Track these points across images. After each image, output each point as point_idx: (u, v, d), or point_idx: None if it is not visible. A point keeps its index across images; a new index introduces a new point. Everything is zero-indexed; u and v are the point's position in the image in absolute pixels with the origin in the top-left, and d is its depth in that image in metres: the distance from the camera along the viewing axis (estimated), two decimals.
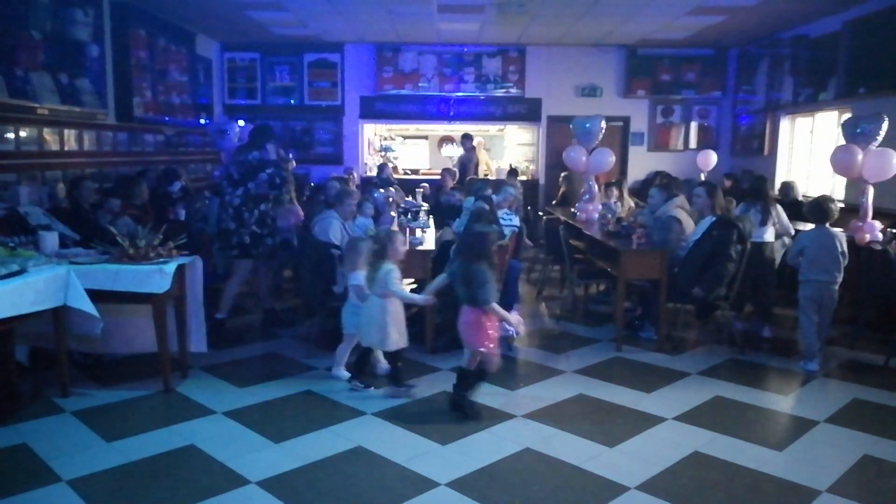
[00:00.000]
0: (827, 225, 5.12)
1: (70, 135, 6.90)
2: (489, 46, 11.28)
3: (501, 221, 5.80)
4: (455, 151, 12.34)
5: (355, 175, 10.65)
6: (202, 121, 10.33)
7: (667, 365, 5.18)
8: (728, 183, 9.43)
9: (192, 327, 4.81)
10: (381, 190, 7.45)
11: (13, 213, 5.21)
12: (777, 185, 9.01)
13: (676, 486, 3.33)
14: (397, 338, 4.38)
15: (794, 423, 4.19)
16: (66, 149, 6.82)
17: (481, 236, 4.15)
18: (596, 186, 7.72)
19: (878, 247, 5.55)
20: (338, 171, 10.10)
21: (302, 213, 7.13)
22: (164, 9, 8.62)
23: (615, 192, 7.82)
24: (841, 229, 5.34)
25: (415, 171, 12.35)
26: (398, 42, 11.14)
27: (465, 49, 11.34)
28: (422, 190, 8.50)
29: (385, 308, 4.34)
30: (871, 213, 5.95)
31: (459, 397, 4.14)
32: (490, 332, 4.03)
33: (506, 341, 5.15)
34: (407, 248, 4.81)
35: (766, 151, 10.23)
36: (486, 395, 4.34)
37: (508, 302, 5.21)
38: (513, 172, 10.16)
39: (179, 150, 9.58)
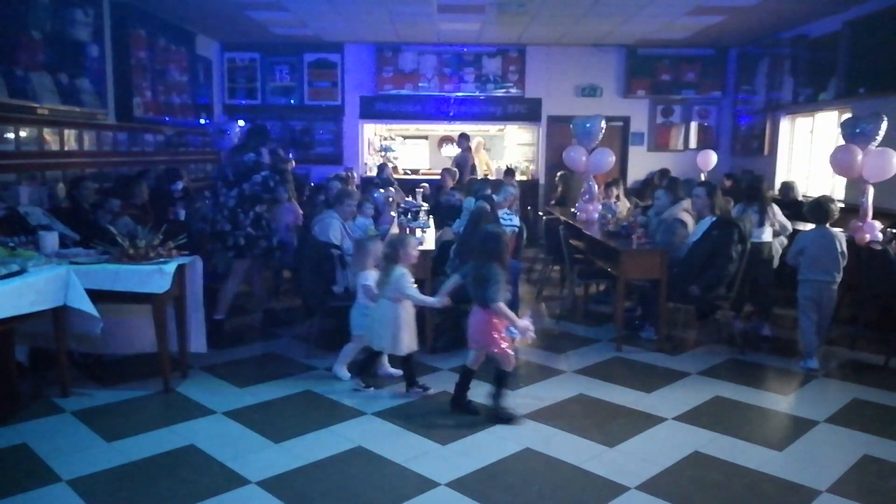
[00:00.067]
0: (827, 225, 5.12)
1: (70, 135, 6.90)
2: (489, 46, 11.28)
3: (501, 221, 5.80)
4: (455, 152, 12.34)
5: (355, 175, 10.65)
6: (202, 121, 10.33)
7: (667, 365, 5.18)
8: (728, 183, 9.42)
9: (192, 327, 4.81)
10: (381, 190, 7.45)
11: (13, 213, 5.21)
12: (777, 186, 9.02)
13: (676, 486, 3.33)
14: (409, 341, 4.37)
15: (794, 423, 4.19)
16: (66, 149, 6.82)
17: (496, 237, 4.15)
18: (596, 186, 7.73)
19: (878, 247, 5.55)
20: (338, 171, 10.09)
21: (301, 213, 7.14)
22: (164, 9, 8.62)
23: (615, 191, 7.82)
24: (841, 229, 5.34)
25: (415, 171, 12.34)
26: (398, 42, 11.14)
27: (465, 49, 11.34)
28: (422, 190, 8.50)
29: (397, 312, 4.32)
30: (871, 213, 5.95)
31: (461, 397, 4.15)
32: (502, 332, 4.02)
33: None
34: (419, 252, 4.74)
35: (766, 151, 10.24)
36: (486, 395, 4.33)
37: (512, 302, 5.20)
38: (509, 172, 10.15)
39: (179, 150, 9.58)
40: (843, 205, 6.29)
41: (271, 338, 5.80)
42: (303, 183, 10.02)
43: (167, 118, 9.13)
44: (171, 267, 4.31)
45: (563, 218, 7.79)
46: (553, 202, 9.94)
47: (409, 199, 7.89)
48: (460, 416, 4.13)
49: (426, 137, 13.49)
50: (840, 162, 6.04)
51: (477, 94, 11.48)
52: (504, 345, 4.05)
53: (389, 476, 3.41)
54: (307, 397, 4.45)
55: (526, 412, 4.19)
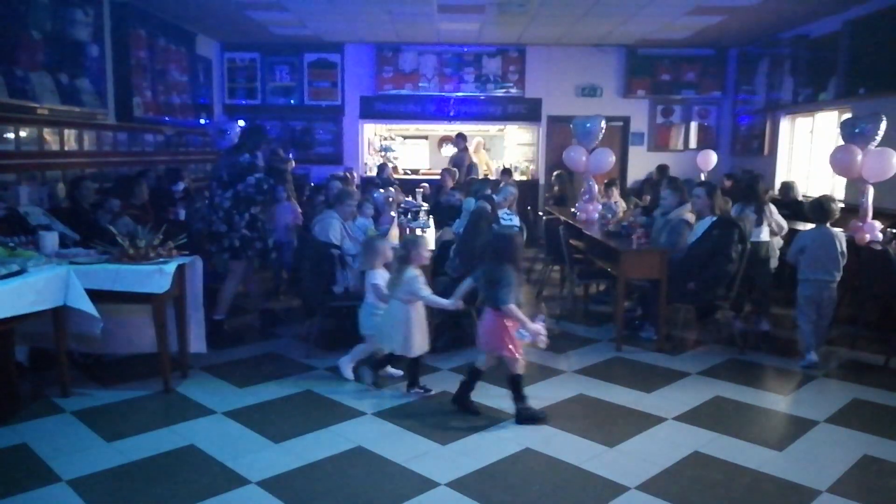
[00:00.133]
0: (827, 224, 5.13)
1: (70, 135, 6.90)
2: (489, 46, 11.28)
3: (502, 221, 5.80)
4: (452, 151, 12.34)
5: (355, 175, 10.65)
6: (202, 121, 10.33)
7: (667, 365, 5.18)
8: (728, 183, 9.42)
9: (192, 327, 4.81)
10: (381, 190, 7.46)
11: (13, 213, 5.21)
12: (777, 186, 9.02)
13: (676, 486, 3.33)
14: (421, 343, 4.36)
15: (794, 423, 4.18)
16: (66, 149, 6.82)
17: (509, 239, 4.13)
18: (595, 186, 7.72)
19: (878, 247, 5.55)
20: (338, 171, 10.09)
21: (300, 213, 7.15)
22: (164, 9, 8.62)
23: (615, 191, 7.82)
24: (841, 229, 5.34)
25: (415, 171, 12.35)
26: (398, 42, 11.14)
27: (465, 49, 11.34)
28: (422, 190, 8.51)
29: (409, 314, 4.30)
30: (871, 213, 5.95)
31: (465, 396, 4.15)
32: (513, 335, 4.01)
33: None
34: (430, 253, 4.71)
35: (766, 151, 10.24)
36: (487, 395, 4.34)
37: None
38: (506, 172, 10.15)
39: (179, 150, 9.58)
40: (843, 205, 6.29)
41: (271, 338, 5.80)
42: (303, 183, 10.02)
43: (167, 118, 9.13)
44: (171, 267, 4.31)
45: (563, 218, 7.79)
46: (552, 201, 9.94)
47: (409, 198, 7.91)
48: (460, 417, 4.12)
49: (426, 137, 13.50)
50: (840, 162, 6.04)
51: (477, 94, 11.48)
52: (513, 348, 4.02)
53: (389, 476, 3.41)
54: (307, 397, 4.45)
55: None
